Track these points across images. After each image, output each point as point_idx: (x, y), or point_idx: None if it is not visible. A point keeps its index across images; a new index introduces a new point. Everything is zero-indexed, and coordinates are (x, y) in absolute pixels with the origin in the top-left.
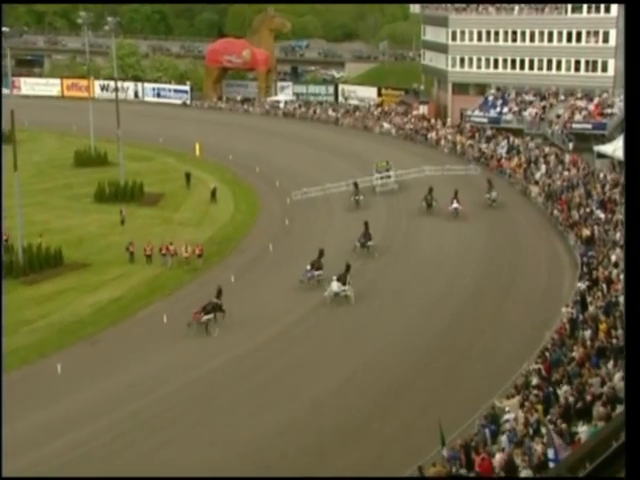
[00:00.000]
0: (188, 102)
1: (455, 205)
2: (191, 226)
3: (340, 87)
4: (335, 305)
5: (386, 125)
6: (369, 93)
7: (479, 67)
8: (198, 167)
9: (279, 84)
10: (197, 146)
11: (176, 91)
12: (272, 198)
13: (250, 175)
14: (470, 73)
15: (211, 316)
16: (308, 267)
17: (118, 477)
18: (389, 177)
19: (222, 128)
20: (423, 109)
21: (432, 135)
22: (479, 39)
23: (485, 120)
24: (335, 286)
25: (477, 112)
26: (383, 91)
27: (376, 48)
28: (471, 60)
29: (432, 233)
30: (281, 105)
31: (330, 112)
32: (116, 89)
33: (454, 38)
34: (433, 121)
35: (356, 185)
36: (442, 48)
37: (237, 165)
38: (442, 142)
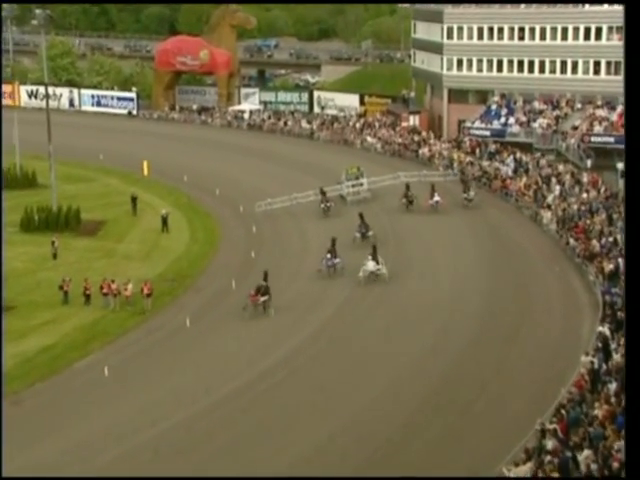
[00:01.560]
0: (134, 112)
1: (436, 198)
2: (138, 260)
3: (315, 94)
4: (304, 359)
5: (370, 139)
6: (350, 101)
7: (480, 70)
8: (146, 189)
9: (243, 91)
10: (145, 164)
11: (120, 99)
12: (235, 225)
13: (209, 199)
14: (469, 77)
15: (267, 297)
16: (328, 255)
17: (115, 477)
18: (361, 185)
19: (175, 143)
20: (414, 120)
21: (424, 151)
22: (480, 37)
23: (487, 133)
24: (371, 265)
25: (478, 124)
26: (366, 99)
27: (358, 48)
28: (470, 62)
29: (422, 258)
30: (245, 115)
31: (304, 124)
32: (47, 96)
33: (450, 36)
34: (425, 134)
35: (323, 192)
36: (436, 48)
37: (193, 187)
38: (436, 159)
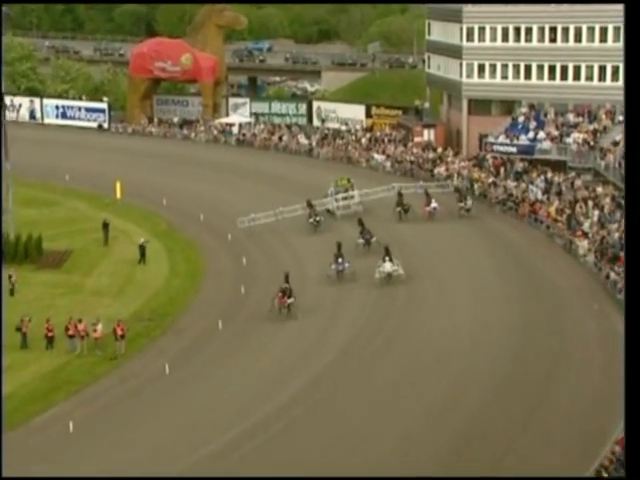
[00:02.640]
0: (105, 125)
1: (434, 205)
2: (109, 296)
3: (315, 105)
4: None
5: (378, 157)
6: (354, 113)
7: (505, 77)
8: (120, 215)
9: (231, 101)
10: (118, 186)
11: (89, 110)
12: (222, 256)
13: (192, 225)
14: (492, 85)
15: (293, 300)
16: (340, 260)
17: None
18: (352, 197)
19: (153, 161)
20: (428, 135)
21: (440, 170)
22: (505, 39)
23: (513, 149)
24: (388, 266)
25: (502, 139)
26: (374, 110)
27: (363, 52)
28: (494, 68)
29: (435, 288)
30: (234, 129)
31: (301, 139)
32: (2, 106)
33: (470, 37)
34: (442, 151)
35: (310, 205)
36: (454, 51)
37: (174, 211)
38: (454, 179)
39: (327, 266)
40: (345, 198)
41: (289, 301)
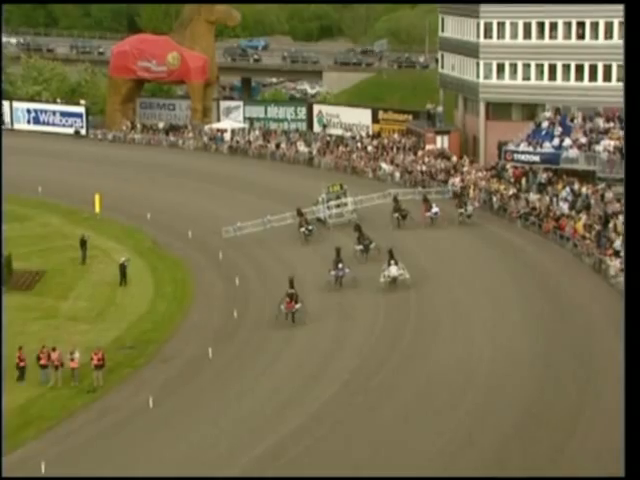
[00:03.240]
0: (83, 131)
1: (435, 209)
2: (87, 322)
3: (316, 109)
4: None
5: (385, 166)
6: (360, 118)
7: (526, 78)
8: (99, 231)
9: (223, 104)
10: (97, 199)
11: (64, 114)
12: (213, 276)
13: (179, 242)
14: (513, 87)
15: (300, 305)
16: (340, 265)
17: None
18: (345, 205)
19: (136, 171)
20: (442, 142)
21: (455, 181)
22: (527, 35)
23: (536, 158)
24: (394, 270)
25: (524, 146)
26: (381, 115)
27: (369, 50)
28: (514, 67)
29: (447, 307)
30: (226, 136)
31: (301, 147)
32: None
33: (488, 34)
34: (457, 160)
35: (301, 214)
36: (470, 49)
37: (159, 227)
38: (471, 191)
39: (326, 273)
40: (338, 206)
41: (297, 306)
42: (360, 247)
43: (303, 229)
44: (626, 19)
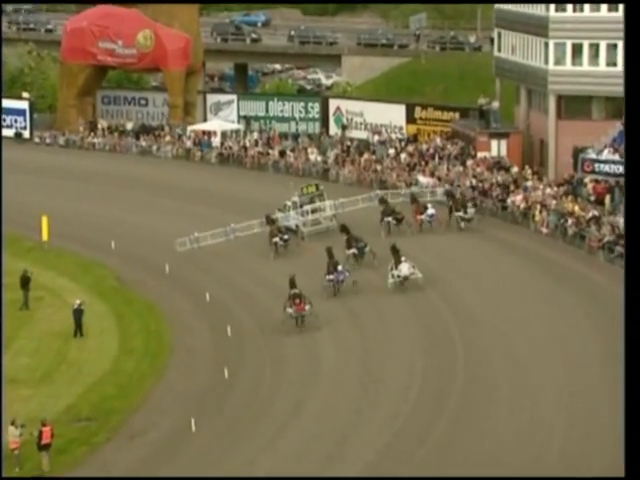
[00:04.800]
0: (26, 133)
1: (431, 211)
2: (30, 385)
3: (333, 104)
4: None
5: (424, 180)
6: (390, 116)
7: (611, 63)
8: (47, 265)
9: (211, 98)
10: (44, 222)
11: (6, 111)
12: (197, 324)
13: (153, 280)
14: (593, 75)
15: (310, 307)
16: (339, 267)
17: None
18: (322, 209)
19: (96, 187)
20: (498, 148)
21: (516, 199)
22: (612, 6)
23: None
24: (405, 268)
25: (608, 154)
26: (418, 112)
27: (403, 28)
28: (595, 48)
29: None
30: (215, 140)
31: (313, 155)
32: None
33: (561, 5)
34: (518, 171)
35: (271, 220)
36: (537, 25)
37: (127, 260)
38: (537, 214)
39: (320, 280)
40: (314, 211)
41: (307, 308)
42: (353, 251)
43: (277, 239)
44: (626, 18)
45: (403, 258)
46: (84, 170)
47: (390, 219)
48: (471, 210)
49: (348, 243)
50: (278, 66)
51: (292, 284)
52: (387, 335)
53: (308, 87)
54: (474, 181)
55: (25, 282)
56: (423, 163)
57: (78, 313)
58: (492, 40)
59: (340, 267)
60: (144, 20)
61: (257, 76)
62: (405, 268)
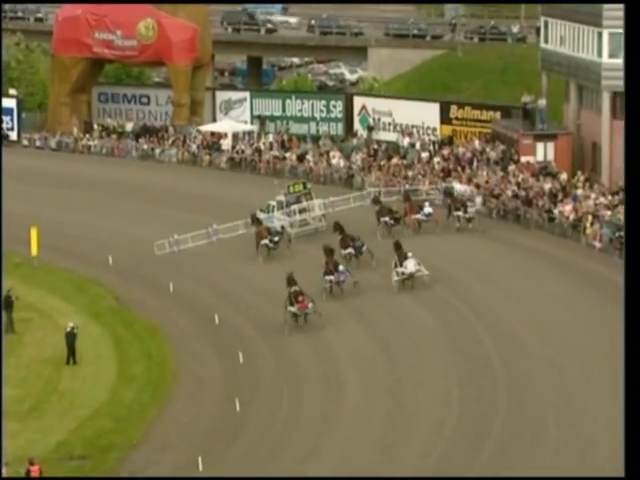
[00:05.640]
0: (13, 135)
1: (427, 210)
2: (17, 418)
3: (358, 102)
4: None
5: (460, 187)
6: (423, 116)
7: None
8: (36, 283)
9: (221, 96)
10: (33, 235)
11: None
12: (204, 349)
13: (155, 299)
14: None
15: (313, 304)
16: (340, 267)
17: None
18: (311, 209)
19: (92, 195)
20: (545, 152)
21: (565, 210)
22: None
23: None
24: (411, 264)
25: None
26: (454, 111)
27: (437, 16)
28: None
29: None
30: (225, 143)
31: (336, 159)
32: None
33: None
34: (567, 178)
35: (257, 220)
36: (588, 13)
37: (125, 276)
38: (588, 226)
39: (319, 280)
40: (302, 211)
41: (310, 306)
42: (349, 250)
43: (266, 241)
44: (626, 18)
45: (409, 254)
46: (78, 176)
47: (387, 219)
48: (472, 209)
49: (343, 242)
50: (296, 60)
51: (291, 282)
52: (410, 346)
53: (330, 83)
54: (517, 189)
55: (8, 303)
56: (459, 169)
57: (71, 337)
58: (538, 30)
59: (341, 267)
60: (146, 8)
61: (273, 71)
62: (411, 264)
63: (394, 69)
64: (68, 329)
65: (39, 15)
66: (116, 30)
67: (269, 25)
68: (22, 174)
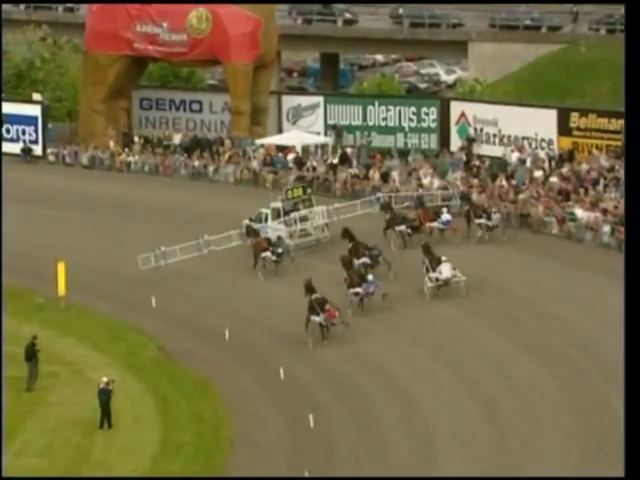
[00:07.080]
0: (37, 149)
1: (446, 217)
2: None
3: (456, 109)
4: None
5: (582, 214)
6: (537, 126)
7: None
8: (63, 329)
9: (288, 101)
10: (60, 271)
11: (5, 119)
12: (268, 410)
13: (207, 348)
14: None
15: (339, 312)
16: (370, 277)
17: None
18: (312, 217)
19: (130, 222)
20: None
21: None
22: None
23: None
24: (447, 270)
25: None
26: (576, 120)
27: (554, 5)
28: None
29: None
30: (292, 159)
31: (427, 179)
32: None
33: None
34: None
35: (254, 232)
36: None
37: (171, 321)
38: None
39: (345, 292)
40: (302, 219)
41: (337, 314)
42: (365, 260)
43: (267, 254)
44: (626, 18)
45: (443, 258)
46: (115, 199)
47: (403, 228)
48: (496, 216)
49: (356, 251)
50: (380, 57)
51: (309, 289)
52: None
53: (422, 86)
54: None
55: (31, 353)
56: (582, 191)
57: (105, 395)
58: None
59: (370, 276)
60: None
61: (351, 71)
62: (446, 269)
63: (501, 68)
64: (102, 385)
65: (69, 5)
66: (162, 22)
67: (347, 15)
68: (47, 197)
